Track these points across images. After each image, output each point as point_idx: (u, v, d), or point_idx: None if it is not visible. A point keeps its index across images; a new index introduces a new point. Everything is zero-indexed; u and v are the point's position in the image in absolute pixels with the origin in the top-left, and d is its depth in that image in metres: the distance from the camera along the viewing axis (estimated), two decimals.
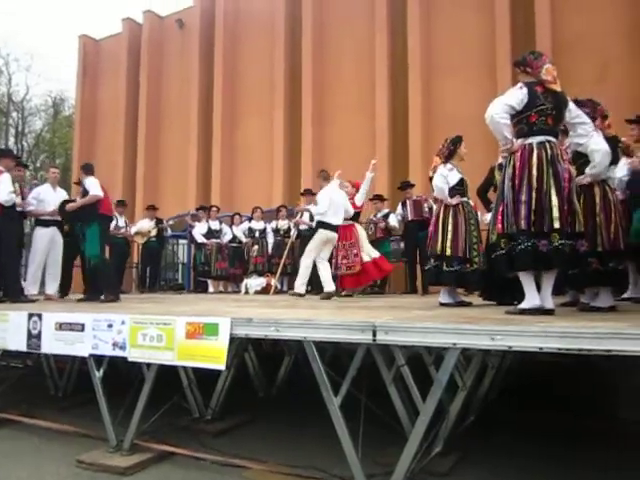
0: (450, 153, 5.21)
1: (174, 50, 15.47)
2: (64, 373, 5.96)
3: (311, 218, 9.31)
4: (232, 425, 4.69)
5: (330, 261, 7.11)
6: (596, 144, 3.91)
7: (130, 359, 3.81)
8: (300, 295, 6.81)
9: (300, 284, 6.90)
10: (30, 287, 6.98)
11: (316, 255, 6.82)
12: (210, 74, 14.42)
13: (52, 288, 7.17)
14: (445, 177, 5.08)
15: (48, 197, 7.07)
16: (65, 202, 6.65)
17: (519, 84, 3.65)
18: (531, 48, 6.88)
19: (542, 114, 3.54)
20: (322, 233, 6.79)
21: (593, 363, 4.27)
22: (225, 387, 4.81)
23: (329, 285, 6.70)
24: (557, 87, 3.61)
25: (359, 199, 7.62)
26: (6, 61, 32.45)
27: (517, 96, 3.56)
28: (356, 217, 7.61)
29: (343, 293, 7.51)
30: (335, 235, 6.96)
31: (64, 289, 7.36)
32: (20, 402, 5.33)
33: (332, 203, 6.77)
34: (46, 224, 7.00)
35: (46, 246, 7.01)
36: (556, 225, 3.39)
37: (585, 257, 3.74)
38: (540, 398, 4.94)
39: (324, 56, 12.85)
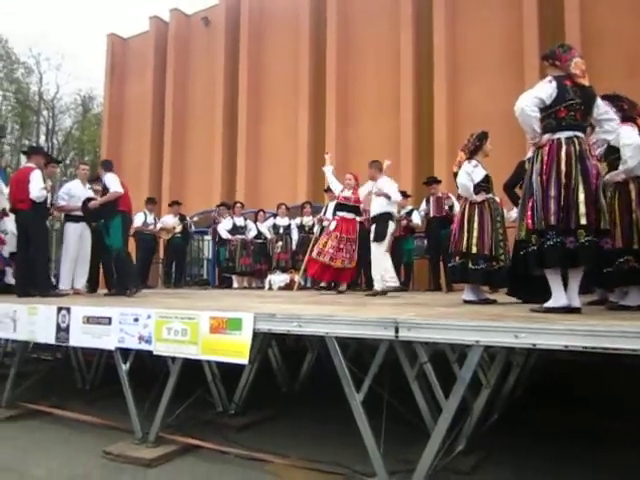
0: (475, 149, 5.14)
1: (200, 48, 15.60)
2: (92, 366, 6.09)
3: (334, 215, 9.31)
4: (255, 420, 4.72)
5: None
6: (628, 138, 3.82)
7: (155, 353, 3.86)
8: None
9: (390, 277, 6.59)
10: (64, 282, 7.14)
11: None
12: (235, 71, 14.51)
13: (80, 283, 7.28)
14: (469, 174, 5.00)
15: (78, 193, 7.18)
16: (87, 200, 6.78)
17: (548, 77, 3.57)
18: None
19: (571, 109, 3.46)
20: (392, 225, 6.70)
21: (620, 362, 4.18)
22: (249, 382, 4.84)
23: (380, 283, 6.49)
24: (585, 82, 3.53)
25: (362, 193, 7.38)
26: (37, 60, 33.30)
27: (547, 90, 3.49)
28: (356, 211, 7.43)
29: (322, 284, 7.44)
30: None
31: (92, 285, 7.49)
32: (50, 394, 5.47)
33: None
34: (76, 220, 7.11)
35: (77, 241, 7.13)
36: (583, 221, 3.32)
37: (612, 255, 3.66)
38: (565, 397, 4.87)
39: (349, 53, 12.82)
